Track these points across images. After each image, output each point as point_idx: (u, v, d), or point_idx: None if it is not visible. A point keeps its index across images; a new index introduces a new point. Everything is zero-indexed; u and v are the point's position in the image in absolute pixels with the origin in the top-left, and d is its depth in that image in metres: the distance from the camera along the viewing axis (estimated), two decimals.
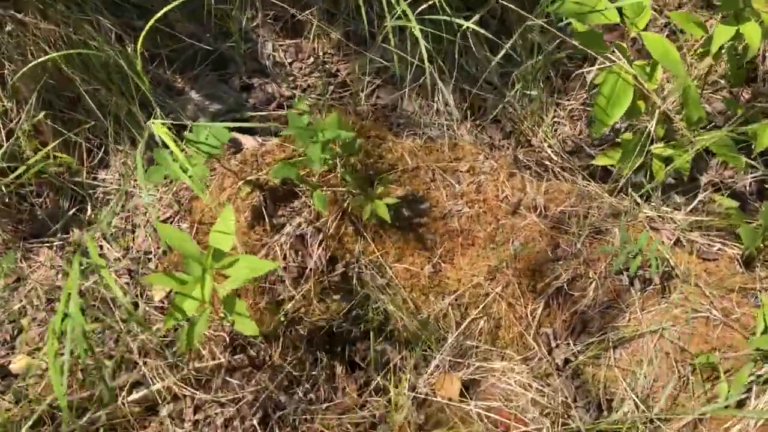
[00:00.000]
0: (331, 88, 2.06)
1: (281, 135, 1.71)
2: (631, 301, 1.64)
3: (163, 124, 1.28)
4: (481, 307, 1.63)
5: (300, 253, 1.65)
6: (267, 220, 1.65)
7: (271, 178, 1.66)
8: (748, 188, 1.94)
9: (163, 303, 1.76)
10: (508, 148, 2.00)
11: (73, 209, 1.87)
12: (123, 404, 1.54)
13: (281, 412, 1.60)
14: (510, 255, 1.64)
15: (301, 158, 1.41)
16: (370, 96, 2.07)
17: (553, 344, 1.67)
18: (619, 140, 1.81)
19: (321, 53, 2.10)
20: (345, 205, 1.64)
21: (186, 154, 1.49)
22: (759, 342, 1.31)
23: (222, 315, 1.40)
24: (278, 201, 1.67)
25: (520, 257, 1.65)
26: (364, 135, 1.73)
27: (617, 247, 1.58)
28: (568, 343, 1.67)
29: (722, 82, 2.04)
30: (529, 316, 1.64)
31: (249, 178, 1.66)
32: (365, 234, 1.64)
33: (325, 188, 1.63)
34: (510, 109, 2.05)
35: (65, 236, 1.84)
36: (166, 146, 1.29)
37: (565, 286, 1.65)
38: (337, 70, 2.08)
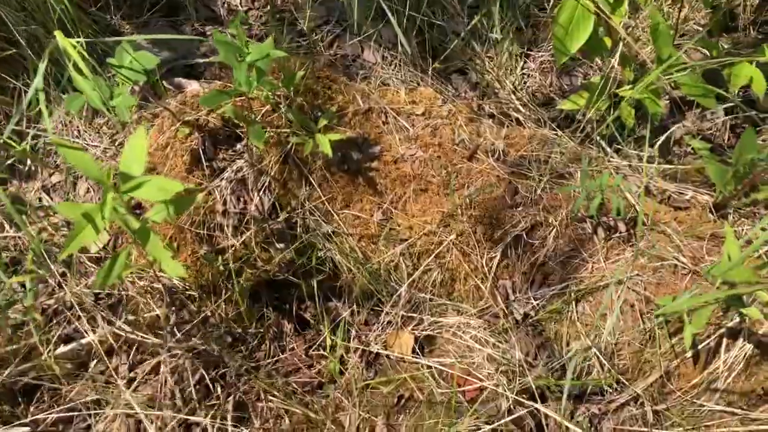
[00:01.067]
0: (290, 37, 1.95)
1: (210, 60, 1.61)
2: (595, 251, 1.53)
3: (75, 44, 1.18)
4: (433, 256, 1.53)
5: (241, 198, 1.55)
6: (206, 163, 1.54)
7: (213, 121, 1.56)
8: (726, 141, 1.82)
9: (100, 255, 1.66)
10: (473, 99, 1.89)
11: (10, 160, 1.77)
12: (50, 358, 1.44)
13: (223, 370, 1.50)
14: (465, 201, 1.54)
15: (230, 91, 1.30)
16: (329, 46, 1.97)
17: (512, 297, 1.56)
18: (586, 82, 1.70)
19: (278, 1, 2.00)
20: (289, 147, 1.53)
21: (112, 82, 1.40)
22: (720, 270, 1.19)
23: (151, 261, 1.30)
24: (219, 144, 1.57)
25: (476, 203, 1.54)
26: (313, 75, 1.62)
27: (577, 188, 1.47)
28: (528, 297, 1.56)
29: (700, 29, 1.93)
30: (485, 266, 1.54)
31: (188, 118, 1.55)
32: (311, 178, 1.54)
33: (267, 129, 1.53)
34: (478, 61, 1.95)
35: (1, 186, 1.74)
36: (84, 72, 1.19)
37: (524, 235, 1.54)
38: (295, 19, 1.97)
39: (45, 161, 1.72)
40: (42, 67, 1.13)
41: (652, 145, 1.80)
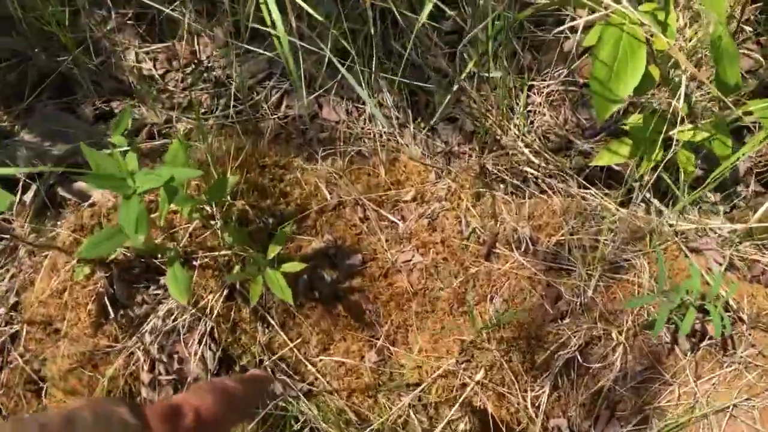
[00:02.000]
0: (222, 101, 1.50)
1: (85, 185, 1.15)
2: (679, 368, 1.09)
3: None
4: (458, 404, 1.08)
5: (175, 356, 1.09)
6: (119, 312, 1.08)
7: (121, 252, 1.10)
8: None
9: None
10: (470, 155, 1.45)
11: None
12: None
13: None
14: (490, 320, 1.09)
15: (118, 231, 0.85)
16: (276, 107, 1.51)
17: None
18: (624, 126, 1.26)
19: (203, 57, 1.54)
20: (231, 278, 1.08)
21: None
22: None
23: None
24: (134, 282, 1.11)
25: (506, 322, 1.09)
26: (257, 164, 1.17)
27: (653, 298, 1.03)
28: None
29: (748, 30, 1.50)
30: (530, 406, 1.09)
31: (80, 255, 1.09)
32: (269, 317, 1.09)
33: (199, 255, 1.07)
34: (467, 102, 1.50)
35: None
36: None
37: (578, 356, 1.10)
38: (227, 77, 1.51)
39: None
40: None
41: (713, 192, 1.37)
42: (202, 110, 1.50)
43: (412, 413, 1.09)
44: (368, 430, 1.08)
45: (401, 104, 1.50)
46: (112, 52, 1.52)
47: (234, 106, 1.48)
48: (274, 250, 0.98)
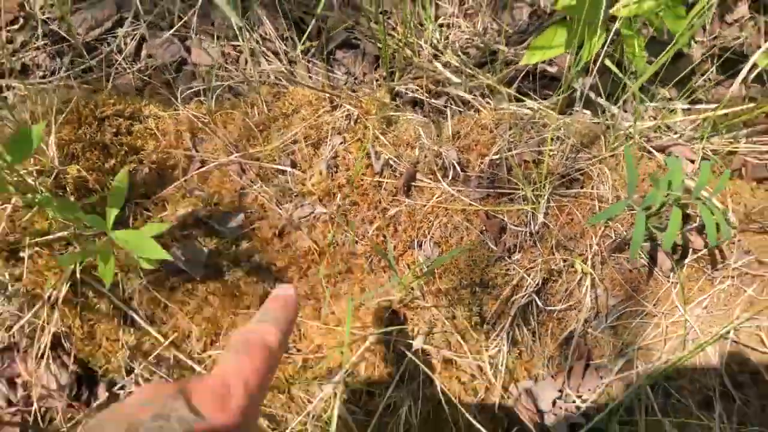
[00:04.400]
0: (65, 60, 1.20)
1: None
2: (662, 295, 0.87)
3: None
4: (394, 381, 0.83)
5: (18, 381, 0.82)
6: None
7: None
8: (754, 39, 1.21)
9: None
10: (379, 84, 1.20)
11: None
12: None
13: None
14: (421, 271, 0.85)
15: None
16: (135, 55, 1.22)
17: (543, 406, 0.89)
18: (558, 8, 1.03)
19: (36, 9, 1.23)
20: (75, 265, 0.80)
21: None
22: None
23: None
24: None
25: (442, 270, 0.85)
26: (89, 118, 0.89)
27: (622, 206, 0.80)
28: (566, 395, 0.90)
29: None
30: (486, 369, 0.86)
31: None
32: (132, 309, 0.81)
33: (27, 242, 0.79)
34: (367, 24, 1.25)
35: None
36: None
37: (536, 299, 0.87)
38: (68, 30, 1.21)
39: None
40: None
41: (666, 85, 1.15)
42: (41, 73, 1.20)
43: (338, 404, 0.84)
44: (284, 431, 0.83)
45: (288, 34, 1.24)
46: None
47: (79, 62, 1.19)
48: (111, 215, 0.71)
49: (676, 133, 1.05)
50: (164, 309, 0.82)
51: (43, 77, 1.19)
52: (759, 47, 1.14)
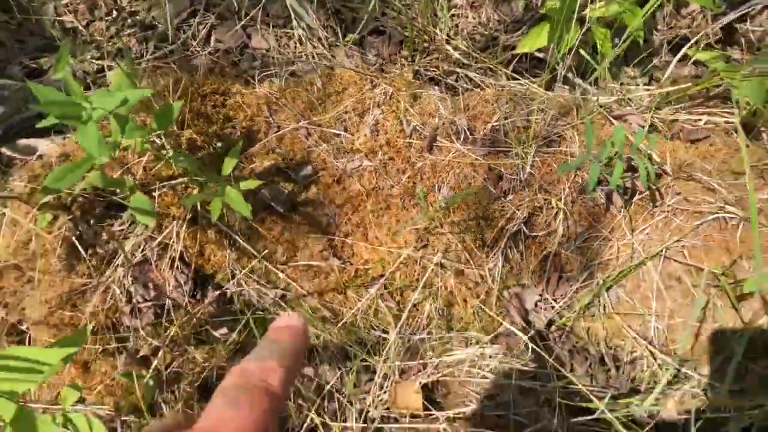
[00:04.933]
0: (151, 44, 1.50)
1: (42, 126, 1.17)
2: (616, 224, 1.20)
3: None
4: (420, 286, 1.17)
5: (149, 285, 1.14)
6: (88, 252, 1.12)
7: (82, 193, 1.13)
8: (711, 35, 1.50)
9: None
10: (403, 64, 1.50)
11: None
12: None
13: None
14: (440, 207, 1.17)
15: (81, 161, 0.88)
16: (205, 42, 1.53)
17: (528, 306, 1.23)
18: (543, 12, 1.33)
19: (124, 3, 1.53)
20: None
21: None
22: None
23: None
24: (98, 221, 1.14)
25: (455, 207, 1.18)
26: (197, 94, 1.20)
27: (583, 159, 1.12)
28: (546, 299, 1.23)
29: None
30: (486, 278, 1.19)
31: (45, 200, 1.12)
32: (234, 235, 1.14)
33: (156, 186, 1.11)
34: (392, 14, 1.55)
35: None
36: None
37: (523, 227, 1.20)
38: (153, 19, 1.52)
39: None
40: None
41: (632, 67, 1.46)
42: (132, 55, 1.50)
43: (380, 302, 1.17)
44: (341, 322, 1.17)
45: (329, 23, 1.54)
46: (30, 9, 1.50)
47: (162, 47, 1.49)
48: (229, 165, 1.03)
49: (635, 105, 1.36)
50: (257, 233, 1.15)
51: (135, 58, 1.49)
52: (707, 35, 1.45)
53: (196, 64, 1.47)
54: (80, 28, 1.51)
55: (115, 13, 1.54)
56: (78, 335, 0.82)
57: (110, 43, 1.52)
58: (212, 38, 1.54)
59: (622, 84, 1.43)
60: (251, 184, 1.03)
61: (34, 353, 0.73)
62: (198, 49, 1.51)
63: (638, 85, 1.41)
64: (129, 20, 1.53)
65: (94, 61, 1.48)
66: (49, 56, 1.49)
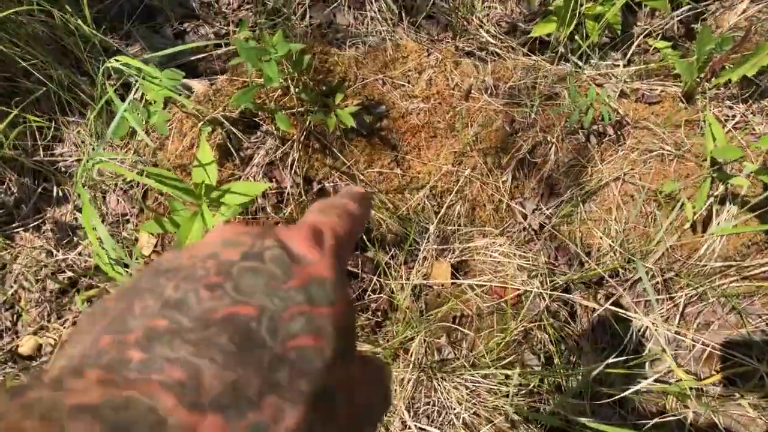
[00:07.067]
0: (262, 18, 2.06)
1: (231, 65, 1.73)
2: (591, 156, 1.74)
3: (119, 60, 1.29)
4: (454, 192, 1.72)
5: (274, 179, 1.70)
6: (235, 154, 1.68)
7: (230, 114, 1.69)
8: (677, 31, 2.03)
9: (151, 259, 1.80)
10: (447, 40, 2.05)
11: (39, 189, 1.87)
12: None
13: None
14: (471, 138, 1.72)
15: (254, 86, 1.44)
16: (302, 18, 2.08)
17: (528, 212, 1.78)
18: (551, 8, 1.87)
19: None
20: (306, 123, 1.68)
21: (143, 104, 1.51)
22: (716, 152, 1.42)
23: None
24: (242, 133, 1.70)
25: (481, 138, 1.72)
26: (308, 52, 1.75)
27: (568, 106, 1.67)
28: (540, 209, 1.78)
29: None
30: (500, 189, 1.74)
31: (207, 117, 1.68)
32: (332, 148, 1.70)
33: (283, 111, 1.67)
34: (441, 3, 2.09)
35: (38, 216, 1.85)
36: (122, 99, 1.31)
37: (527, 156, 1.74)
38: None
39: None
40: (101, 102, 1.25)
41: (615, 51, 1.99)
42: (249, 26, 2.06)
43: (426, 201, 1.72)
44: (399, 213, 1.73)
45: (393, 8, 2.09)
46: None
47: (270, 20, 2.05)
48: (338, 97, 1.58)
49: (614, 78, 1.90)
50: (347, 148, 1.70)
51: (251, 27, 2.04)
52: (672, 30, 1.98)
53: (297, 33, 2.03)
54: (213, 2, 2.07)
55: None
56: (263, 184, 1.38)
57: (233, 14, 2.08)
58: (307, 15, 2.09)
59: (606, 64, 1.97)
60: (350, 109, 1.59)
61: (241, 187, 1.28)
62: (298, 22, 2.06)
63: (618, 65, 1.95)
64: None
65: (223, 26, 2.04)
66: (190, 22, 2.05)
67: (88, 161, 1.44)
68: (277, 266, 0.28)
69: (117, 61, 1.46)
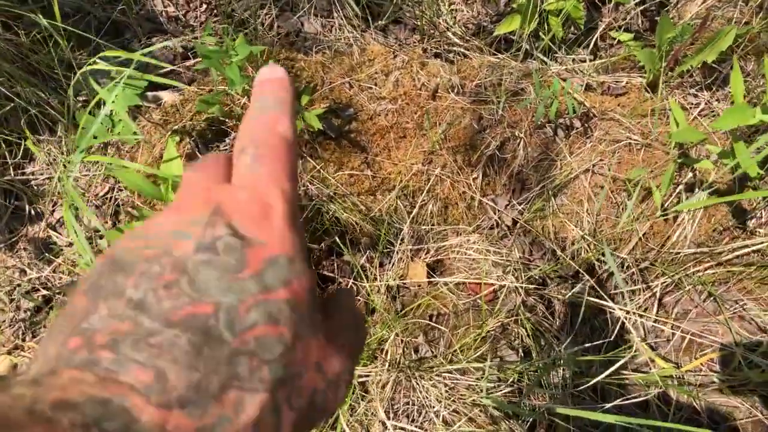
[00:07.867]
0: (230, 29, 2.07)
1: (196, 69, 1.74)
2: (560, 150, 1.75)
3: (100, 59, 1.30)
4: (425, 191, 1.72)
5: None
6: None
7: (197, 124, 1.69)
8: (641, 25, 2.06)
9: None
10: (415, 43, 2.06)
11: (11, 207, 1.86)
12: None
13: None
14: (440, 136, 1.73)
15: (219, 92, 1.44)
16: (270, 28, 2.09)
17: (500, 208, 1.78)
18: (515, 6, 1.89)
19: None
20: None
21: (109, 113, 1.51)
22: (676, 136, 1.43)
23: None
24: (209, 143, 1.70)
25: (450, 136, 1.73)
26: (273, 59, 1.76)
27: (534, 101, 1.68)
28: (512, 204, 1.78)
29: None
30: (471, 187, 1.74)
31: (175, 127, 1.68)
32: (301, 152, 1.70)
33: None
34: (408, 8, 2.11)
35: (11, 235, 1.84)
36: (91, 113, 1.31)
37: (497, 152, 1.75)
38: (233, 10, 2.08)
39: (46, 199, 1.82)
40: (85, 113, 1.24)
41: (581, 47, 2.02)
42: (218, 37, 2.07)
43: (398, 202, 1.73)
44: (372, 214, 1.73)
45: (362, 15, 2.11)
46: (146, 1, 2.07)
47: (238, 30, 2.06)
48: (304, 99, 1.59)
49: (580, 73, 1.91)
50: (316, 152, 1.71)
51: (219, 38, 2.05)
52: (637, 24, 2.00)
53: (266, 43, 2.04)
54: (180, 16, 2.08)
55: (204, 6, 2.11)
56: None
57: (201, 27, 2.09)
58: (275, 25, 2.11)
59: (572, 59, 1.99)
60: (317, 112, 1.59)
61: None
62: (266, 32, 2.07)
63: (585, 61, 1.97)
64: (215, 11, 2.10)
65: (190, 40, 2.05)
66: (159, 36, 2.06)
67: (64, 171, 1.44)
68: (230, 256, 0.28)
69: (96, 63, 1.47)
